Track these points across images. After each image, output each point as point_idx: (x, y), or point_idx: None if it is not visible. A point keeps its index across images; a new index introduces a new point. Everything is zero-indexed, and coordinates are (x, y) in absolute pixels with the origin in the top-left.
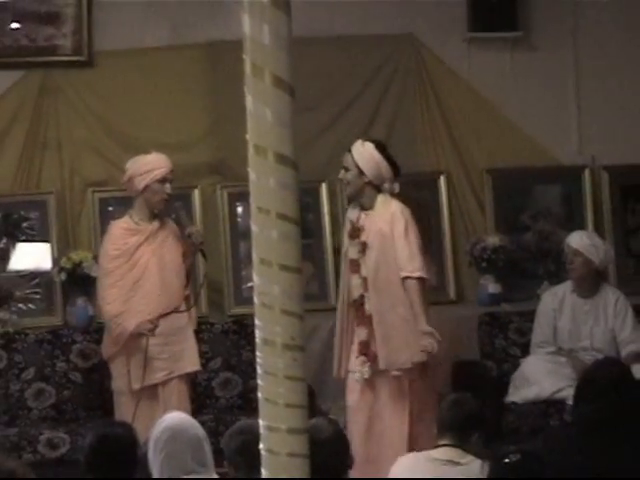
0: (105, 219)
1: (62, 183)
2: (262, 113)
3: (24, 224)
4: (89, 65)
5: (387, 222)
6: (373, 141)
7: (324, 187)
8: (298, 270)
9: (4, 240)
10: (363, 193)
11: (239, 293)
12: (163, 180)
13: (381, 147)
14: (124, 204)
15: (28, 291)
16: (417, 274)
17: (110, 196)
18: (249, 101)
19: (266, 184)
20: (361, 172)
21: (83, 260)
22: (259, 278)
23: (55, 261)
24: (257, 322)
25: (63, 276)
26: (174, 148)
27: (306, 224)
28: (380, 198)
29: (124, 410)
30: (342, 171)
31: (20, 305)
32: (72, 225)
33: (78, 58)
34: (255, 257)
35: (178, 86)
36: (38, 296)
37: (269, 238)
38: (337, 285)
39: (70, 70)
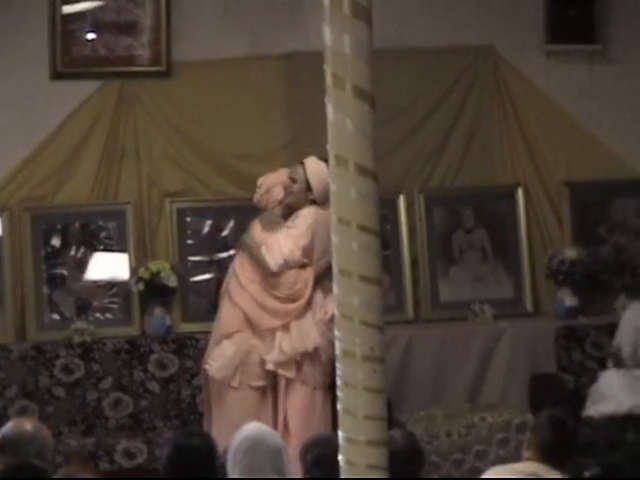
0: (182, 229)
1: (140, 193)
2: (343, 123)
3: (102, 234)
4: (167, 75)
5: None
6: (326, 160)
7: (401, 199)
8: (378, 282)
9: (82, 250)
10: (300, 208)
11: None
12: None
13: None
14: (201, 214)
15: (106, 301)
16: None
17: (187, 206)
18: (330, 111)
19: (347, 195)
20: (309, 188)
21: (161, 270)
22: (339, 289)
23: (133, 271)
24: (337, 333)
25: (141, 286)
26: (253, 160)
27: (383, 235)
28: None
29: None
30: (287, 180)
31: (97, 315)
32: (150, 235)
33: (156, 68)
34: (335, 268)
35: (256, 97)
36: (115, 306)
37: (349, 249)
38: (415, 297)
39: (148, 80)
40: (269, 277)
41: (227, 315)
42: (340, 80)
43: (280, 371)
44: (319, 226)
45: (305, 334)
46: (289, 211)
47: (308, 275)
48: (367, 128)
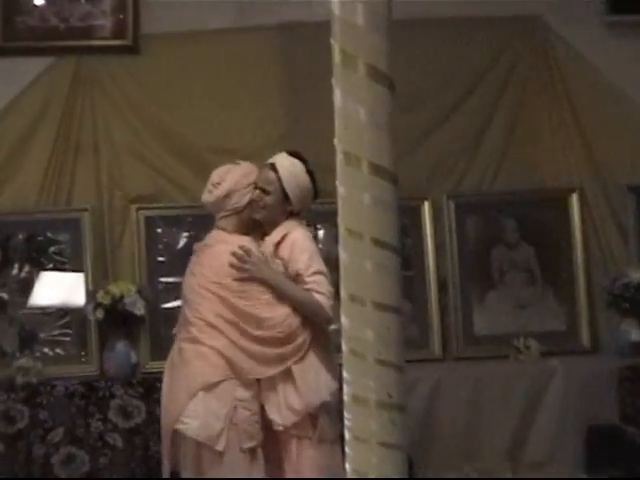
0: (152, 242)
1: (99, 198)
2: (354, 112)
3: (51, 249)
4: (134, 51)
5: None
6: (300, 157)
7: (427, 206)
8: (397, 310)
9: (26, 268)
10: (274, 224)
11: None
12: None
13: (308, 166)
14: (176, 224)
15: (56, 332)
16: None
17: (158, 214)
18: (338, 97)
19: (359, 201)
20: (286, 197)
21: (125, 294)
22: (349, 320)
23: (90, 295)
24: (345, 375)
25: (100, 314)
26: (240, 157)
27: (404, 252)
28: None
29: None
30: (256, 191)
31: (46, 350)
32: (111, 250)
33: (120, 42)
34: (344, 293)
35: (245, 79)
36: (68, 339)
37: (362, 269)
38: (443, 329)
39: (110, 57)
40: (248, 315)
41: (203, 362)
42: (351, 58)
43: (293, 432)
44: (313, 246)
45: (314, 380)
46: (251, 225)
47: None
48: (384, 118)
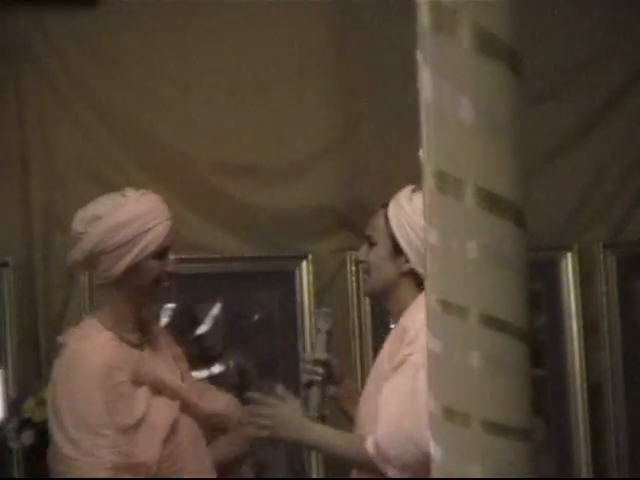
0: None
1: (28, 244)
2: (453, 106)
3: None
4: (89, 2)
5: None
6: None
7: (570, 261)
8: (524, 434)
9: None
10: (395, 290)
11: None
12: (164, 251)
13: None
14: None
15: None
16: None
17: None
18: (426, 81)
19: (460, 253)
20: (397, 249)
21: None
22: (443, 449)
23: (12, 406)
24: None
25: (28, 438)
26: (263, 178)
27: (535, 337)
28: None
29: None
30: (364, 246)
31: None
32: (49, 328)
33: None
34: (435, 405)
35: (276, 54)
36: None
37: (465, 366)
38: (595, 463)
39: (49, 10)
40: None
41: None
42: (449, 15)
43: None
44: None
45: None
46: (150, 308)
47: None
48: (504, 116)
